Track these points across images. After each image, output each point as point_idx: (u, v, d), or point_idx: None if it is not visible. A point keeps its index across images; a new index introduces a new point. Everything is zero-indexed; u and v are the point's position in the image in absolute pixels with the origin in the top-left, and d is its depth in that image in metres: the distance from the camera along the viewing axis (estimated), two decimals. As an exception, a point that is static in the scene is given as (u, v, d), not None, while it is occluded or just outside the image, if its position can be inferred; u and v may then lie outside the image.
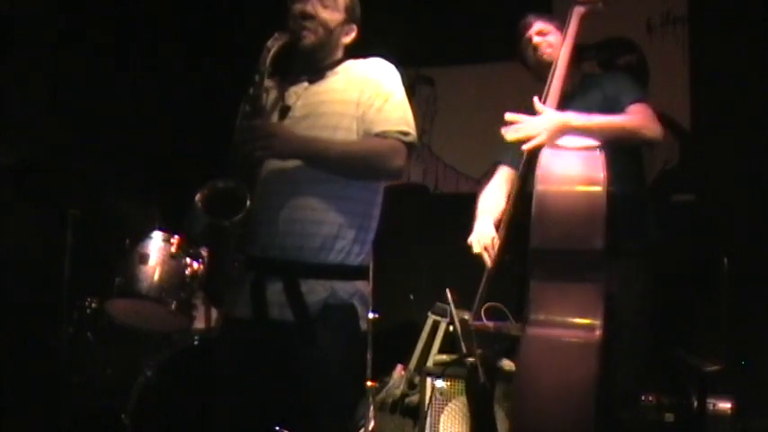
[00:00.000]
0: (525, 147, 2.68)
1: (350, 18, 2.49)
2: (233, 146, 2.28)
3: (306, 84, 2.46)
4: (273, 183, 2.35)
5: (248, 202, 2.20)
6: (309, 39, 2.40)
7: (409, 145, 2.37)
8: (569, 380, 2.34)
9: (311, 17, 2.40)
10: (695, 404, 3.42)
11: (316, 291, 2.31)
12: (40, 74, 4.38)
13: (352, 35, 2.51)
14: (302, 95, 2.44)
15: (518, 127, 2.69)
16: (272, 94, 2.49)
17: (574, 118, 2.65)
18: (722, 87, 4.23)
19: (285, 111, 2.41)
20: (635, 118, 2.70)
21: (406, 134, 2.36)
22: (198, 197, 2.23)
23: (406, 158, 2.36)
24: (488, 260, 2.84)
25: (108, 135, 4.43)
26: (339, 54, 2.51)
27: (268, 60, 2.34)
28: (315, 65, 2.47)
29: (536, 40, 2.90)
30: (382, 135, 2.34)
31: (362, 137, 2.36)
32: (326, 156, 2.31)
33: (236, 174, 2.25)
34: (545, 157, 2.50)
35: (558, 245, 2.43)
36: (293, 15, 2.41)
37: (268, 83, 2.43)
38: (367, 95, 2.38)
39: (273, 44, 2.35)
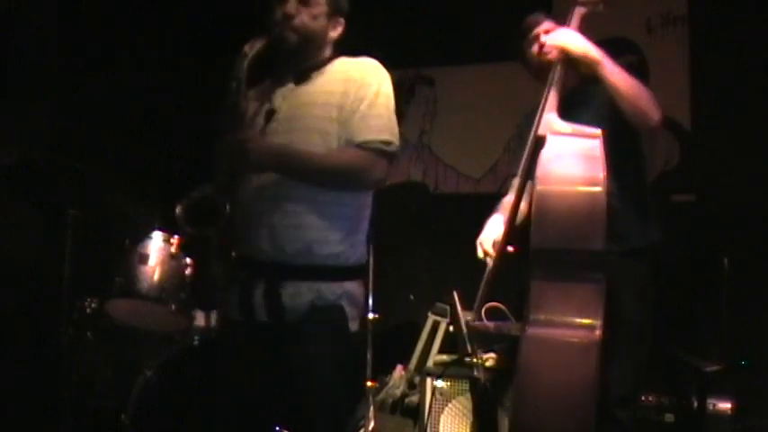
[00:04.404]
0: (551, 40, 2.70)
1: (334, 10, 2.43)
2: (214, 155, 2.27)
3: (292, 85, 2.43)
4: (259, 186, 2.34)
5: (227, 210, 2.22)
6: (292, 39, 2.36)
7: (390, 155, 2.35)
8: (569, 380, 2.33)
9: (292, 17, 2.35)
10: (695, 404, 3.42)
11: (301, 293, 2.31)
12: (40, 74, 4.38)
13: (340, 29, 2.46)
14: (288, 97, 2.41)
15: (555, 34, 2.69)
16: (257, 98, 2.46)
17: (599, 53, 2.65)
18: (722, 87, 4.23)
19: (271, 114, 2.40)
20: (643, 90, 2.68)
21: (387, 143, 2.33)
22: (178, 210, 2.25)
23: (385, 170, 2.35)
24: (489, 263, 2.83)
25: (108, 135, 4.43)
26: (327, 51, 2.46)
27: (245, 66, 2.30)
28: (301, 64, 2.43)
29: (544, 38, 2.86)
30: (363, 145, 2.31)
31: (344, 145, 2.33)
32: (303, 169, 2.30)
33: (219, 180, 2.26)
34: (545, 157, 2.49)
35: (559, 245, 2.42)
36: (275, 18, 2.37)
37: (249, 91, 2.39)
38: (351, 99, 2.34)
39: (250, 49, 2.31)
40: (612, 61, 2.66)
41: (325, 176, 2.31)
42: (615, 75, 2.65)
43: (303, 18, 2.37)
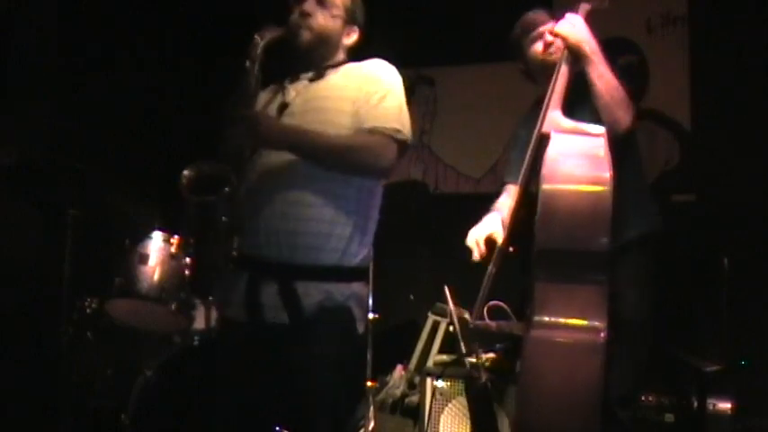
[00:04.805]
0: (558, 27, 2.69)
1: (350, 19, 2.49)
2: (221, 136, 2.28)
3: (305, 82, 2.46)
4: (266, 180, 2.34)
5: (233, 179, 2.20)
6: (306, 37, 2.41)
7: (401, 143, 2.35)
8: (574, 382, 2.32)
9: (308, 15, 2.41)
10: (695, 404, 3.42)
11: (310, 293, 2.30)
12: (40, 74, 4.38)
13: (354, 37, 2.51)
14: (301, 92, 2.44)
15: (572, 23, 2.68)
16: (271, 93, 2.50)
17: (593, 49, 2.65)
18: (722, 87, 4.23)
19: (283, 108, 2.42)
20: (622, 97, 2.68)
21: (398, 132, 2.34)
22: (185, 174, 2.26)
23: (395, 156, 2.34)
24: (476, 254, 2.82)
25: (108, 135, 4.43)
26: (341, 56, 2.51)
27: (259, 49, 2.34)
28: (315, 64, 2.47)
29: (549, 38, 2.85)
30: (373, 131, 2.32)
31: (354, 131, 2.34)
32: (311, 146, 2.29)
33: (227, 151, 2.27)
34: (551, 156, 2.49)
35: (563, 245, 2.41)
36: (293, 15, 2.43)
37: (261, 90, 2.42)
38: (364, 92, 2.37)
39: (264, 35, 2.36)
40: (604, 61, 2.65)
41: (332, 156, 2.30)
42: (599, 75, 2.63)
43: (319, 18, 2.42)
